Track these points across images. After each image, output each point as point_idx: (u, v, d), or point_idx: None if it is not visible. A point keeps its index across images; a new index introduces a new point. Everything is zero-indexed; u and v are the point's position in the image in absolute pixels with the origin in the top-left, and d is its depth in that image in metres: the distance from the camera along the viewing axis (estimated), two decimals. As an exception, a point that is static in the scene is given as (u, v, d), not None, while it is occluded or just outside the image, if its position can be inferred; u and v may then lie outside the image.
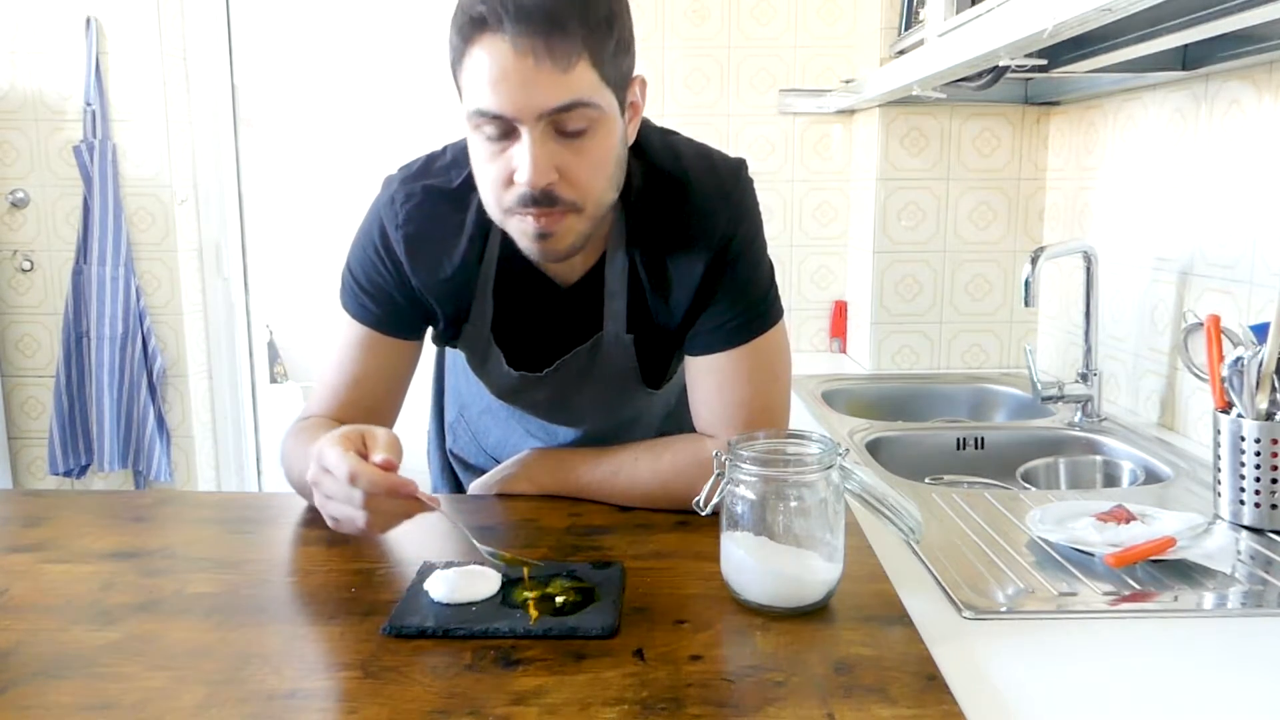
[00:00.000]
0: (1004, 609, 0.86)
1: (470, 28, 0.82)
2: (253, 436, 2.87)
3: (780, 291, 1.03)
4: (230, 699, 0.67)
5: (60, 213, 2.49)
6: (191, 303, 2.61)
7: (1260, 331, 1.08)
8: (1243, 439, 1.06)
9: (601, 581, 0.85)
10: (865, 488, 0.82)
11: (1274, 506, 1.06)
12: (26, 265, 2.51)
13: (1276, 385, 1.06)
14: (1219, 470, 1.10)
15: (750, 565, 0.80)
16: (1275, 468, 1.05)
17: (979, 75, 1.60)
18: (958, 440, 1.64)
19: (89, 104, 2.40)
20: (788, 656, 0.73)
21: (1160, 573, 0.94)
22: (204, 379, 2.69)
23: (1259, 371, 1.06)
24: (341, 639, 0.76)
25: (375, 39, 3.92)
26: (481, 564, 0.86)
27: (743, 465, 0.80)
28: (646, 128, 1.00)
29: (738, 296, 0.99)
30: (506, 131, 0.84)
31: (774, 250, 1.02)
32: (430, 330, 1.09)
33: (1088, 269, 1.64)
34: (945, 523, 1.10)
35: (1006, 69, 1.51)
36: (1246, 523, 1.07)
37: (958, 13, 1.63)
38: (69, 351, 2.48)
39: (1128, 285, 1.71)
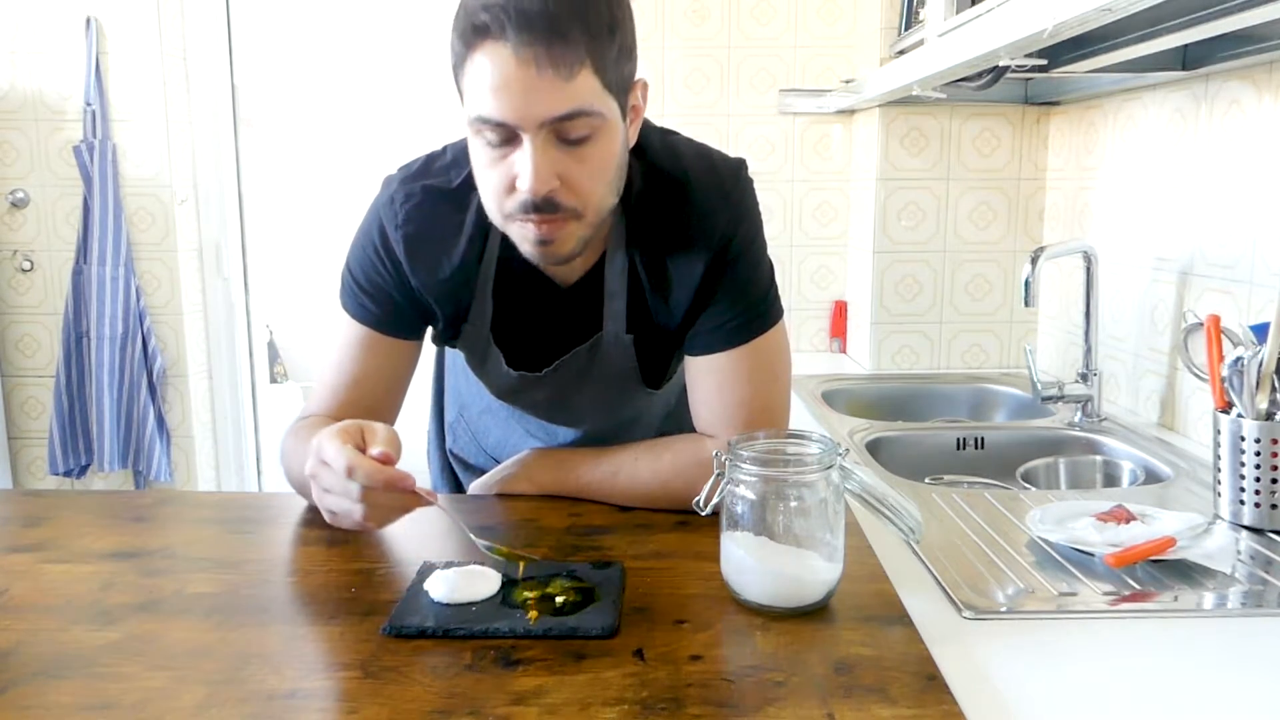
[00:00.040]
0: (1004, 609, 0.86)
1: (472, 34, 0.82)
2: (253, 436, 2.87)
3: (780, 291, 1.03)
4: (230, 699, 0.67)
5: (60, 213, 2.49)
6: (191, 303, 2.61)
7: (1260, 331, 1.08)
8: (1243, 439, 1.06)
9: (601, 581, 0.85)
10: (865, 488, 0.82)
11: (1274, 506, 1.06)
12: (26, 265, 2.51)
13: (1276, 385, 1.06)
14: (1219, 470, 1.10)
15: (750, 565, 0.80)
16: (1275, 468, 1.05)
17: (979, 75, 1.60)
18: (958, 440, 1.64)
19: (89, 104, 2.40)
20: (788, 656, 0.73)
21: (1160, 573, 0.94)
22: (204, 379, 2.69)
23: (1259, 371, 1.06)
24: (341, 639, 0.76)
25: (375, 39, 3.92)
26: (481, 564, 0.86)
27: (743, 465, 0.80)
28: (646, 128, 1.00)
29: (738, 296, 0.99)
30: (508, 138, 0.84)
31: (774, 250, 1.02)
32: (430, 330, 1.08)
33: (1088, 269, 1.64)
34: (945, 523, 1.10)
35: (1006, 69, 1.51)
36: (1246, 523, 1.07)
37: (958, 13, 1.63)
38: (69, 351, 2.48)
39: (1128, 285, 1.71)
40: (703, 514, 0.83)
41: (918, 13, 2.01)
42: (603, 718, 0.64)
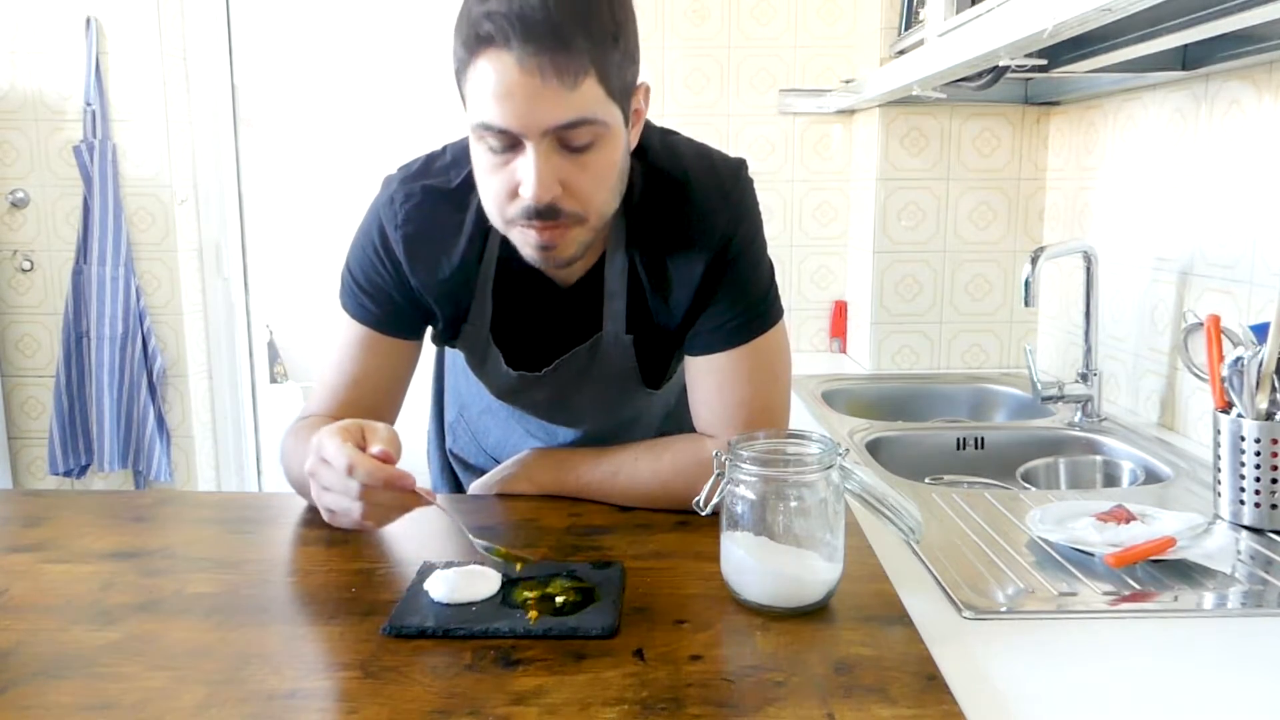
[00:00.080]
0: (1004, 609, 0.86)
1: (476, 41, 0.81)
2: (253, 436, 2.87)
3: (780, 291, 1.03)
4: (230, 699, 0.67)
5: (60, 213, 2.49)
6: (191, 303, 2.61)
7: (1260, 331, 1.08)
8: (1243, 439, 1.06)
9: (601, 581, 0.85)
10: (865, 488, 0.82)
11: (1274, 506, 1.06)
12: (26, 265, 2.51)
13: (1276, 385, 1.06)
14: (1219, 470, 1.10)
15: (750, 565, 0.80)
16: (1275, 468, 1.05)
17: (979, 75, 1.60)
18: (958, 440, 1.64)
19: (89, 104, 2.40)
20: (788, 656, 0.73)
21: (1160, 573, 0.94)
22: (204, 379, 2.69)
23: (1259, 371, 1.06)
24: (341, 639, 0.76)
25: (375, 39, 3.92)
26: (481, 563, 0.86)
27: (743, 465, 0.80)
28: (647, 128, 1.00)
29: (738, 296, 0.99)
30: (511, 144, 0.84)
31: (774, 250, 1.02)
32: (430, 330, 1.08)
33: (1088, 269, 1.64)
34: (945, 523, 1.10)
35: (1006, 69, 1.51)
36: (1246, 523, 1.07)
37: (958, 13, 1.63)
38: (69, 351, 2.48)
39: (1128, 285, 1.71)
40: (703, 514, 0.83)
41: (918, 13, 2.01)
42: (603, 718, 0.64)
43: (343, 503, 0.84)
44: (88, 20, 2.39)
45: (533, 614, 0.78)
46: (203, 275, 2.66)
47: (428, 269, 1.00)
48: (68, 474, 2.54)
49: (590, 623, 0.77)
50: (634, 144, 0.94)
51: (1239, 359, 1.07)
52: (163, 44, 2.43)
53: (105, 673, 0.71)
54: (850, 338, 2.39)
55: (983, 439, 1.63)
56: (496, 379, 1.08)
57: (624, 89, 0.87)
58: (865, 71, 2.20)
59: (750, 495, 0.81)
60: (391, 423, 1.08)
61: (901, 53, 2.05)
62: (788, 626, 0.78)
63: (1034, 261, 1.51)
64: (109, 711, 0.66)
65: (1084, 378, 1.64)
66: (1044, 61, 1.52)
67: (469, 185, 0.97)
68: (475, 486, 1.16)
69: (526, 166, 0.84)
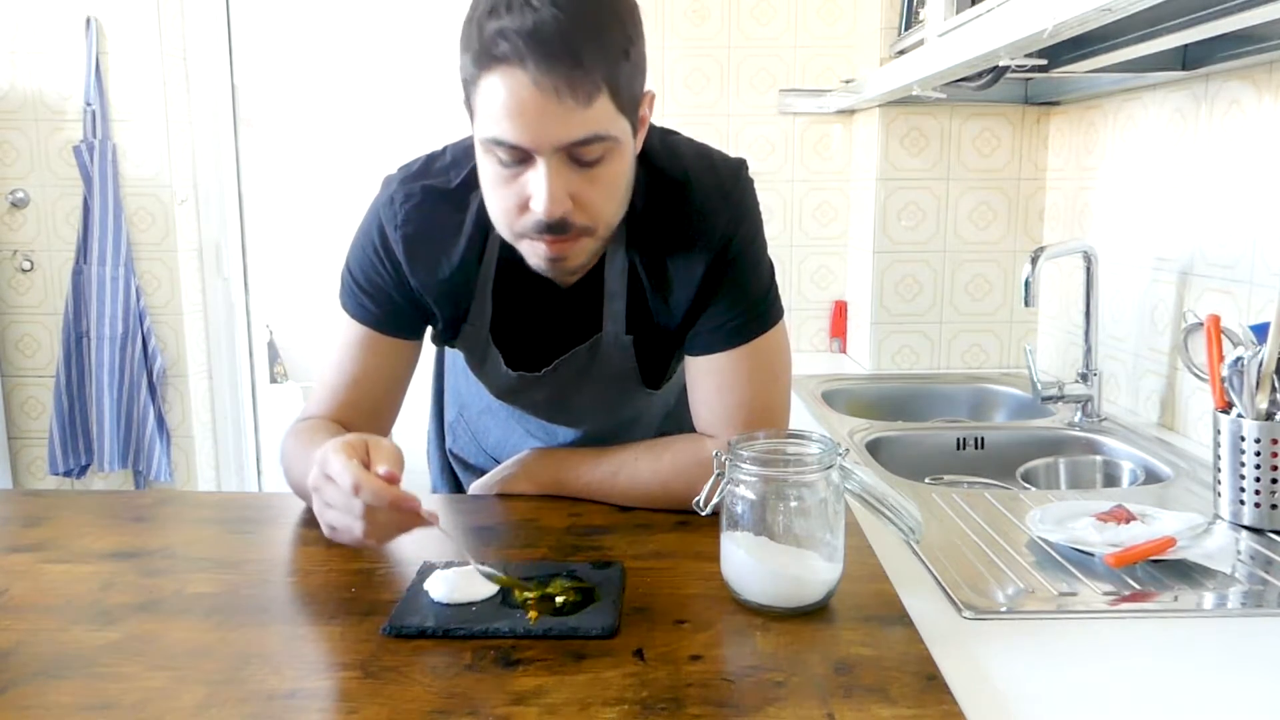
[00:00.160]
0: (1004, 609, 0.86)
1: (488, 58, 0.80)
2: (253, 436, 2.87)
3: (780, 291, 1.03)
4: (230, 699, 0.67)
5: (60, 213, 2.49)
6: (191, 303, 2.61)
7: (1260, 331, 1.08)
8: (1243, 439, 1.06)
9: (601, 581, 0.85)
10: (865, 488, 0.82)
11: (1274, 506, 1.06)
12: (26, 265, 2.51)
13: (1276, 385, 1.06)
14: (1219, 470, 1.10)
15: (750, 565, 0.80)
16: (1275, 468, 1.05)
17: (979, 75, 1.60)
18: (958, 440, 1.64)
19: (89, 104, 2.40)
20: (788, 656, 0.73)
21: (1160, 573, 0.94)
22: (204, 379, 2.69)
23: (1259, 371, 1.06)
24: (341, 639, 0.76)
25: (375, 39, 3.92)
26: (483, 564, 0.86)
27: (743, 465, 0.80)
28: (648, 129, 1.00)
29: (738, 296, 0.99)
30: (521, 158, 0.84)
31: (774, 250, 1.02)
32: (430, 330, 1.08)
33: (1088, 269, 1.64)
34: (945, 523, 1.10)
35: (1006, 69, 1.51)
36: (1246, 523, 1.07)
37: (958, 13, 1.63)
38: (69, 351, 2.48)
39: (1128, 285, 1.71)
40: (703, 514, 0.83)
41: (918, 13, 2.01)
42: (603, 718, 0.64)
43: (345, 520, 0.82)
44: (88, 20, 2.39)
45: (533, 614, 0.78)
46: (203, 275, 2.66)
47: (427, 269, 1.00)
48: (68, 474, 2.54)
49: (590, 623, 0.77)
50: (639, 149, 0.94)
51: (1239, 359, 1.07)
52: (163, 44, 2.43)
53: (105, 673, 0.71)
54: (850, 338, 2.39)
55: (983, 439, 1.63)
56: (496, 379, 1.08)
57: (633, 101, 0.87)
58: (865, 71, 2.20)
59: (750, 495, 0.81)
60: (392, 422, 1.09)
61: (901, 53, 2.05)
62: (788, 626, 0.78)
63: (1034, 261, 1.51)
64: (109, 711, 0.66)
65: (1084, 378, 1.64)
66: (1044, 61, 1.52)
67: (469, 185, 0.97)
68: (475, 486, 1.16)
69: (538, 182, 0.84)
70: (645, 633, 0.77)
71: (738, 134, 2.37)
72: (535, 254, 0.90)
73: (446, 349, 1.25)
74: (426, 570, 0.86)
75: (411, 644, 0.75)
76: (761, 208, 1.01)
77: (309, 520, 1.02)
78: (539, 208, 0.84)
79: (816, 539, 0.80)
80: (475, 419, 1.28)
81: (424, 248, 0.99)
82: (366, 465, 0.82)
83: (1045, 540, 1.02)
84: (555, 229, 0.86)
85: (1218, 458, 1.10)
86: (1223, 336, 1.10)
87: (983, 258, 2.18)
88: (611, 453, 1.08)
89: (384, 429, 1.08)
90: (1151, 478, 1.41)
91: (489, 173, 0.88)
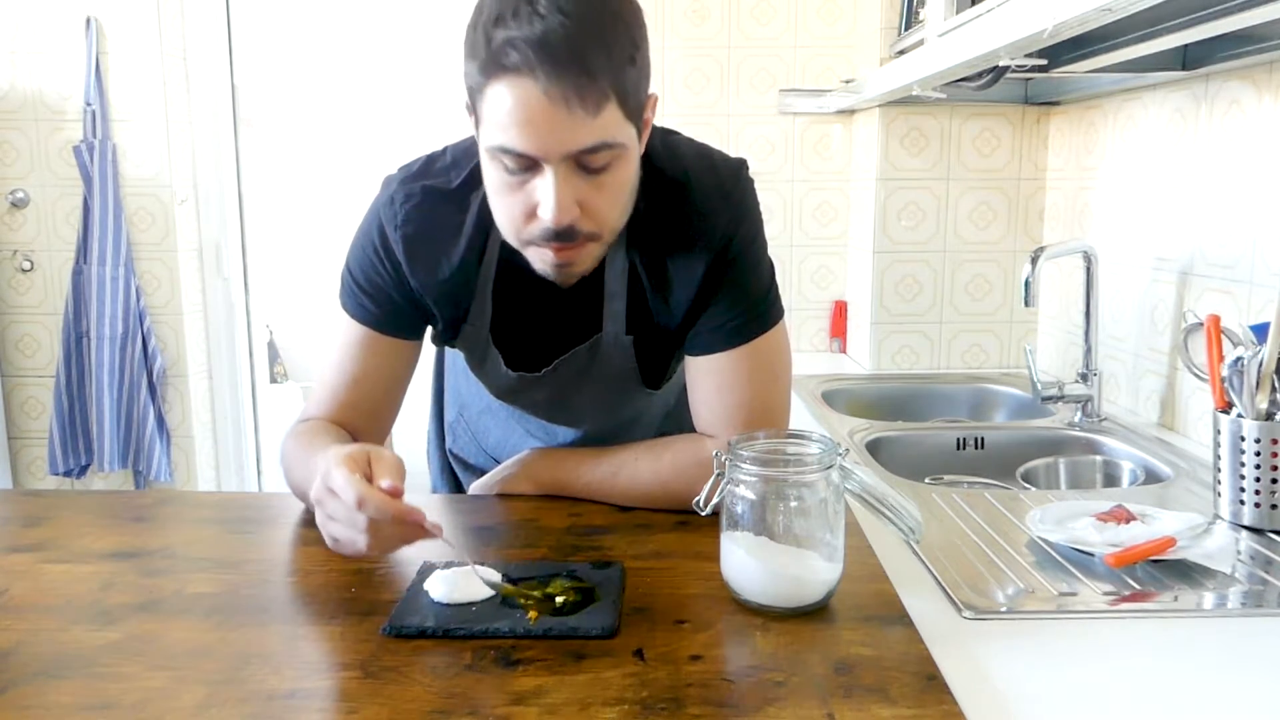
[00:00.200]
0: (1004, 609, 0.86)
1: (496, 67, 0.80)
2: (253, 436, 2.87)
3: (780, 291, 1.03)
4: (230, 699, 0.67)
5: (60, 213, 2.49)
6: (191, 303, 2.61)
7: (1260, 331, 1.08)
8: (1243, 439, 1.06)
9: (601, 581, 0.85)
10: (865, 488, 0.82)
11: (1274, 506, 1.06)
12: (26, 265, 2.51)
13: (1276, 385, 1.06)
14: (1219, 470, 1.10)
15: (750, 565, 0.80)
16: (1275, 468, 1.05)
17: (979, 75, 1.60)
18: (958, 440, 1.64)
19: (89, 104, 2.40)
20: (788, 656, 0.73)
21: (1160, 573, 0.94)
22: (204, 379, 2.69)
23: (1259, 371, 1.06)
24: (341, 639, 0.76)
25: (375, 39, 3.92)
26: (482, 563, 0.86)
27: (743, 465, 0.80)
28: (648, 129, 1.00)
29: (738, 296, 0.99)
30: (528, 165, 0.84)
31: (774, 250, 1.02)
32: (429, 330, 1.08)
33: (1088, 269, 1.64)
34: (945, 523, 1.10)
35: (1006, 69, 1.51)
36: (1246, 523, 1.07)
37: (958, 13, 1.63)
38: (69, 351, 2.48)
39: (1128, 285, 1.71)
40: (703, 514, 0.83)
41: (918, 13, 2.01)
42: (603, 718, 0.64)
43: (349, 534, 0.82)
44: (88, 20, 2.39)
45: (533, 614, 0.78)
46: (203, 275, 2.66)
47: (427, 269, 1.00)
48: (68, 474, 2.54)
49: (590, 623, 0.77)
50: (641, 151, 0.94)
51: (1239, 359, 1.07)
52: (163, 44, 2.43)
53: (105, 673, 0.71)
54: (850, 338, 2.39)
55: (983, 439, 1.63)
56: (496, 379, 1.08)
57: (639, 106, 0.87)
58: (865, 71, 2.20)
59: (750, 495, 0.81)
60: (391, 422, 1.08)
61: (901, 53, 2.05)
62: (788, 626, 0.78)
63: (1034, 261, 1.51)
64: (109, 711, 0.66)
65: (1084, 378, 1.64)
66: (1044, 61, 1.52)
67: (469, 186, 0.97)
68: (475, 487, 1.16)
69: (546, 190, 0.84)
70: (645, 633, 0.77)
71: (738, 134, 2.37)
72: (542, 261, 0.90)
73: (446, 349, 1.25)
74: (426, 570, 0.86)
75: (411, 644, 0.75)
76: (761, 208, 1.01)
77: (309, 520, 1.02)
78: (547, 215, 0.84)
79: (816, 539, 0.80)
80: (475, 419, 1.28)
81: (424, 248, 0.99)
82: (369, 478, 0.81)
83: (1045, 540, 1.02)
84: (563, 236, 0.86)
85: (1218, 458, 1.10)
86: (1223, 336, 1.10)
87: (983, 258, 2.18)
88: (611, 453, 1.08)
89: (384, 429, 1.08)
90: (1151, 478, 1.41)
91: (495, 179, 0.87)
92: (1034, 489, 1.42)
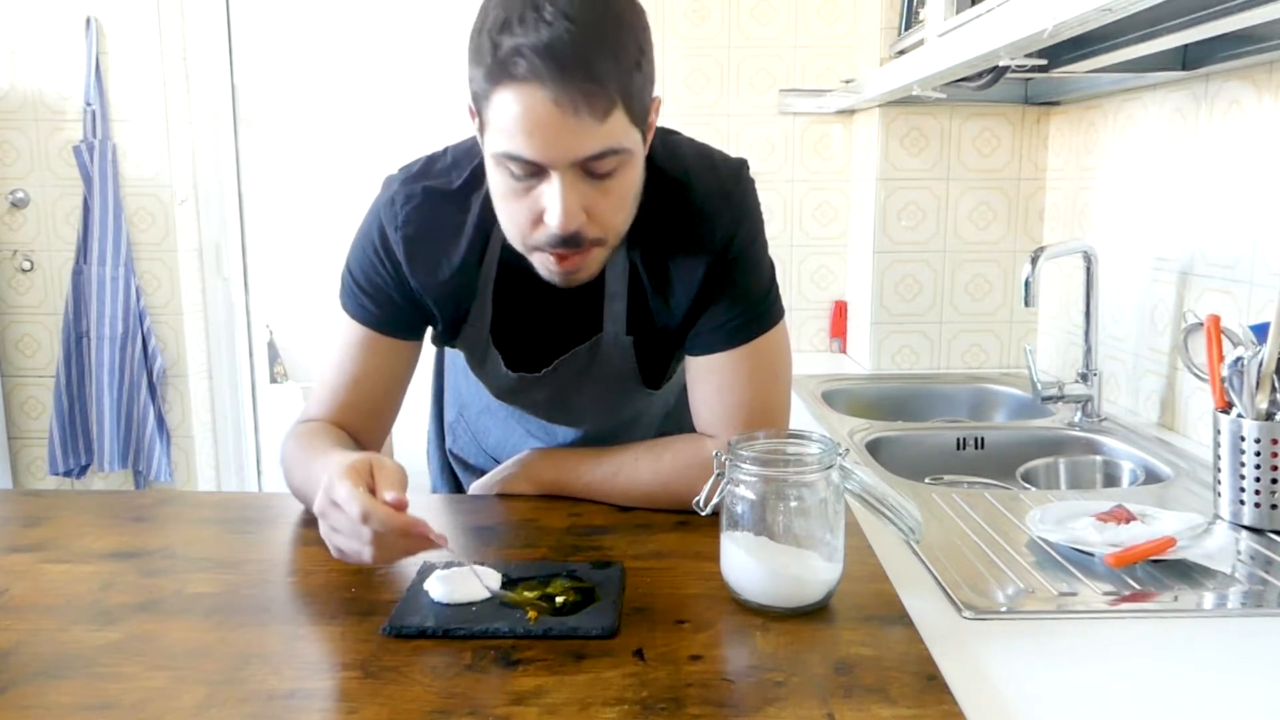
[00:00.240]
0: (1004, 609, 0.86)
1: (503, 74, 0.80)
2: (253, 436, 2.87)
3: (780, 291, 1.03)
4: (230, 699, 0.67)
5: (60, 213, 2.49)
6: (191, 303, 2.61)
7: (1260, 331, 1.08)
8: (1243, 439, 1.06)
9: (601, 581, 0.85)
10: (865, 488, 0.82)
11: (1274, 506, 1.06)
12: (26, 265, 2.51)
13: (1276, 385, 1.06)
14: (1219, 470, 1.10)
15: (750, 565, 0.80)
16: (1275, 468, 1.05)
17: (979, 75, 1.60)
18: (958, 440, 1.64)
19: (89, 104, 2.40)
20: (788, 656, 0.73)
21: (1160, 573, 0.94)
22: (204, 379, 2.69)
23: (1259, 371, 1.06)
24: (341, 639, 0.76)
25: (375, 39, 3.92)
26: (482, 563, 0.86)
27: (743, 465, 0.80)
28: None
29: (738, 296, 0.99)
30: (534, 171, 0.84)
31: (774, 250, 1.02)
32: (429, 331, 1.08)
33: (1088, 269, 1.64)
34: (945, 523, 1.10)
35: (1006, 69, 1.51)
36: (1246, 523, 1.07)
37: (958, 13, 1.63)
38: (69, 351, 2.48)
39: (1128, 285, 1.71)
40: (703, 514, 0.83)
41: (918, 13, 2.01)
42: (603, 718, 0.64)
43: (354, 545, 0.81)
44: (88, 20, 2.39)
45: (532, 614, 0.78)
46: (203, 275, 2.66)
47: (428, 270, 1.00)
48: (68, 474, 2.54)
49: (590, 623, 0.77)
50: (645, 153, 0.94)
51: (1239, 359, 1.07)
52: (163, 44, 2.43)
53: (105, 673, 0.71)
54: (850, 338, 2.39)
55: (983, 439, 1.63)
56: (496, 379, 1.08)
57: (644, 111, 0.87)
58: (865, 71, 2.20)
59: (750, 495, 0.81)
60: (391, 422, 1.08)
61: (901, 53, 2.05)
62: (788, 626, 0.78)
63: (1034, 261, 1.51)
64: (109, 711, 0.66)
65: (1084, 378, 1.64)
66: (1044, 61, 1.52)
67: (470, 187, 0.97)
68: (475, 487, 1.16)
69: (552, 197, 0.83)
70: (645, 633, 0.77)
71: (738, 134, 2.37)
72: (546, 267, 0.90)
73: (446, 349, 1.25)
74: (426, 570, 0.86)
75: (411, 644, 0.75)
76: (762, 208, 1.01)
77: (309, 520, 1.02)
78: (554, 222, 0.84)
79: (816, 539, 0.80)
80: (475, 419, 1.28)
81: (424, 249, 0.99)
82: (372, 489, 0.80)
83: (1045, 540, 1.02)
84: (569, 243, 0.86)
85: (1218, 458, 1.10)
86: (1223, 336, 1.10)
87: (983, 258, 2.18)
88: (611, 453, 1.08)
89: (384, 429, 1.08)
90: (1151, 478, 1.41)
91: (500, 185, 0.87)
92: (1034, 489, 1.42)
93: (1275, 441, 1.05)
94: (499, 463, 1.16)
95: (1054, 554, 0.99)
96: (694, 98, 2.36)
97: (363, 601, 0.83)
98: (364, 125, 3.97)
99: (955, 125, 2.12)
